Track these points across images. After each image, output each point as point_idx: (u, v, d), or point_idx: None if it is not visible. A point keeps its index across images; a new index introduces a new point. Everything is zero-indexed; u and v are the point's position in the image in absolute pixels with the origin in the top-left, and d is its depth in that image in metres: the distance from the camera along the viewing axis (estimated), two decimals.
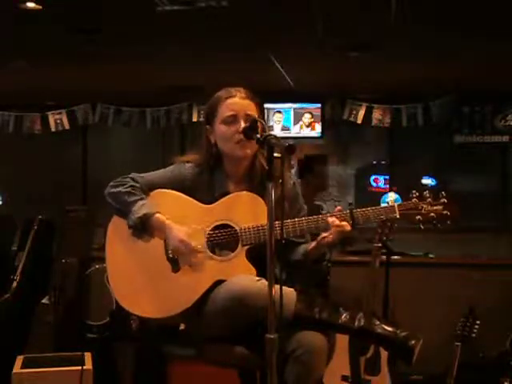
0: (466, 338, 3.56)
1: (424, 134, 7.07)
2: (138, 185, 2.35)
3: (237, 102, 2.33)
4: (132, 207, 2.29)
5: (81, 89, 6.43)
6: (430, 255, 5.37)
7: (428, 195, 2.27)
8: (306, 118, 7.12)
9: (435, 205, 2.26)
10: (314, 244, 2.30)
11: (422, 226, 2.26)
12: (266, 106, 6.64)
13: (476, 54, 5.03)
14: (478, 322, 3.58)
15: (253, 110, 2.33)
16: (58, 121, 7.10)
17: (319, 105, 6.92)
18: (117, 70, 5.69)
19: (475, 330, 3.56)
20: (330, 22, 4.15)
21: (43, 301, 4.37)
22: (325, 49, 4.82)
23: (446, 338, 3.78)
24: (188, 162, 2.42)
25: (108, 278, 2.38)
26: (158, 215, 2.29)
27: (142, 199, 2.31)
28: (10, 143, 7.57)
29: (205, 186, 2.38)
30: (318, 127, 7.06)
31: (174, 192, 2.37)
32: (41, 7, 3.90)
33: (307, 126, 7.16)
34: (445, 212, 2.25)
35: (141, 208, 2.28)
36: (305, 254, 2.34)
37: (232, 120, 2.31)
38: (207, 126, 2.40)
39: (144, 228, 2.29)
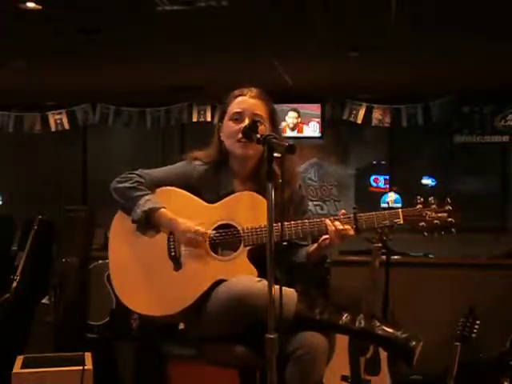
0: (466, 338, 3.56)
1: (424, 133, 7.07)
2: (143, 180, 2.35)
3: (245, 100, 2.35)
4: (137, 202, 2.29)
5: (81, 89, 6.44)
6: (430, 255, 5.37)
7: (433, 202, 2.25)
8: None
9: (440, 212, 2.24)
10: (315, 246, 2.29)
11: (425, 234, 2.24)
12: None
13: (476, 53, 5.04)
14: (478, 322, 3.57)
15: (261, 110, 2.34)
16: (58, 121, 7.11)
17: (319, 105, 6.91)
18: (117, 69, 5.70)
19: (475, 330, 3.55)
20: (329, 22, 4.16)
21: (43, 301, 4.36)
22: (325, 49, 4.82)
23: (446, 338, 3.78)
24: (197, 158, 2.43)
25: (109, 276, 2.38)
26: (163, 210, 2.29)
27: (147, 194, 2.32)
28: (10, 143, 7.58)
29: (210, 185, 2.38)
30: (307, 129, 6.93)
31: (178, 190, 2.37)
32: (41, 7, 3.90)
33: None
34: (449, 219, 2.23)
35: (146, 203, 2.28)
36: (306, 257, 2.33)
37: (238, 117, 2.33)
38: (219, 124, 2.41)
39: (148, 223, 2.29)
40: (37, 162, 7.75)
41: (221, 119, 2.42)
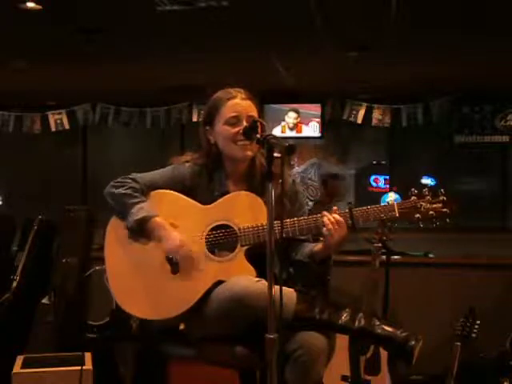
0: (466, 338, 3.55)
1: (424, 133, 7.07)
2: (138, 186, 2.34)
3: (239, 102, 2.33)
4: (131, 209, 2.28)
5: (81, 89, 6.44)
6: (430, 255, 5.36)
7: (427, 193, 2.26)
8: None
9: (434, 203, 2.25)
10: (320, 246, 2.29)
11: (421, 225, 2.25)
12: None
13: (476, 53, 5.04)
14: (478, 322, 3.57)
15: (253, 111, 2.34)
16: (58, 121, 7.11)
17: (319, 105, 6.91)
18: (117, 70, 5.70)
19: (475, 330, 3.55)
20: (329, 22, 4.16)
21: (43, 301, 4.35)
22: (325, 49, 4.82)
23: (446, 338, 3.77)
24: (187, 161, 2.42)
25: (107, 279, 2.38)
26: (156, 219, 2.28)
27: (141, 202, 2.31)
28: (10, 143, 7.58)
29: (204, 186, 2.38)
30: (307, 129, 6.92)
31: (173, 192, 2.37)
32: (41, 7, 3.91)
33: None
34: (444, 210, 2.24)
35: (139, 211, 2.27)
36: (310, 256, 2.33)
37: (235, 121, 2.31)
38: (206, 127, 2.40)
39: (141, 231, 2.28)
40: (37, 162, 7.75)
41: (208, 123, 2.40)
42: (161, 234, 2.28)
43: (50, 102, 7.18)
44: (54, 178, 7.74)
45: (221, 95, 2.37)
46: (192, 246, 2.28)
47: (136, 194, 2.32)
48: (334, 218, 2.21)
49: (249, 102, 2.34)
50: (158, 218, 2.28)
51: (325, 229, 2.21)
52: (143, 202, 2.31)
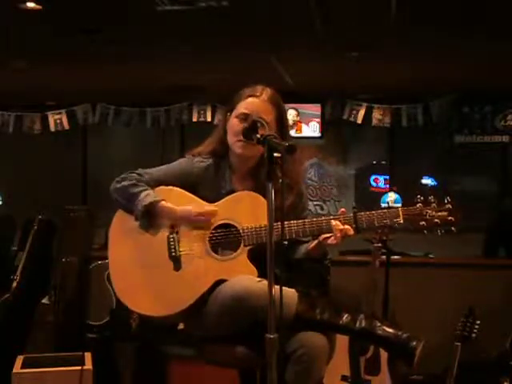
0: (466, 338, 3.55)
1: (424, 133, 7.07)
2: (143, 179, 2.36)
3: (255, 102, 2.33)
4: (137, 197, 2.29)
5: (81, 89, 6.44)
6: (430, 255, 5.36)
7: (433, 200, 2.24)
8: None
9: (440, 210, 2.23)
10: (314, 243, 2.29)
11: (425, 232, 2.23)
12: None
13: (476, 53, 5.04)
14: (478, 322, 3.57)
15: (269, 115, 2.32)
16: (58, 121, 7.11)
17: (319, 105, 6.91)
18: (117, 70, 5.70)
19: (475, 330, 3.55)
20: (329, 22, 4.16)
21: (43, 301, 4.36)
22: (325, 49, 4.82)
23: (446, 338, 3.78)
24: (199, 154, 2.42)
25: (109, 276, 2.38)
26: (163, 202, 2.29)
27: (146, 190, 2.32)
28: (10, 143, 7.58)
29: (210, 182, 2.38)
30: (307, 129, 6.92)
31: (178, 189, 2.37)
32: (41, 7, 3.91)
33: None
34: (449, 218, 2.22)
35: (146, 197, 2.28)
36: (306, 253, 2.33)
37: (244, 118, 2.32)
38: (228, 114, 2.40)
39: (150, 216, 2.29)
40: (37, 161, 7.75)
41: (230, 110, 2.40)
42: (171, 214, 2.29)
43: (50, 102, 7.18)
44: (53, 178, 7.74)
45: (247, 90, 2.38)
46: (195, 243, 2.27)
47: (140, 184, 2.33)
48: (336, 225, 2.19)
49: (267, 106, 2.34)
50: (164, 202, 2.30)
51: (328, 234, 2.20)
52: (149, 189, 2.33)
